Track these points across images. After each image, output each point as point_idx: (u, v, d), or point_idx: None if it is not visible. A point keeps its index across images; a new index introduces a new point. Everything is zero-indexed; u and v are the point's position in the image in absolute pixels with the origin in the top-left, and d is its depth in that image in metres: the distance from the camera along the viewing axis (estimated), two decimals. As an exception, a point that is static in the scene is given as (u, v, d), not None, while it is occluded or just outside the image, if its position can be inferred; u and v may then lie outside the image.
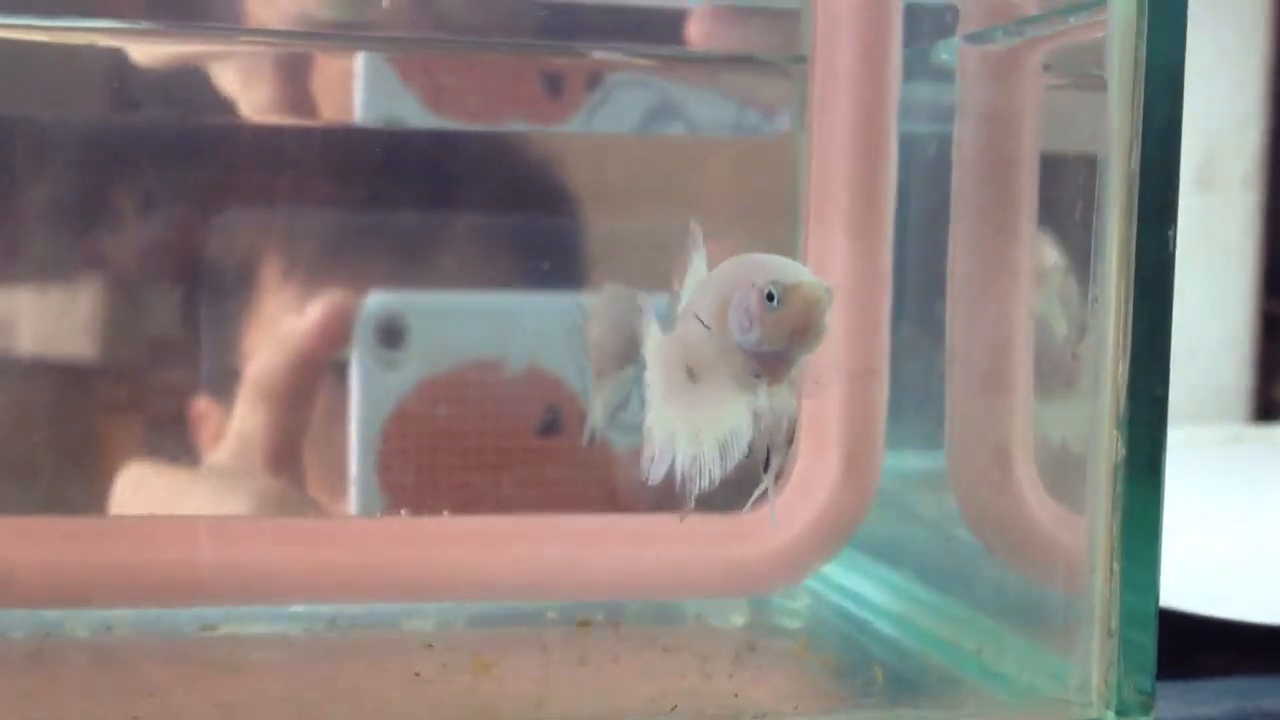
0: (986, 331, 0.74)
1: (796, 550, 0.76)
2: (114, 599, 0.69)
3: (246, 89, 0.76)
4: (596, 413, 0.63)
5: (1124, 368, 0.60)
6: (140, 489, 0.75)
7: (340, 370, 0.78)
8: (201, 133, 0.76)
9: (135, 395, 0.77)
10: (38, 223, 0.74)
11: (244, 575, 0.70)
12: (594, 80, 0.81)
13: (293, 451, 0.77)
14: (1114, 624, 0.60)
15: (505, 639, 0.71)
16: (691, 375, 0.56)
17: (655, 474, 0.56)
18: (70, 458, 0.75)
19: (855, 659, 0.71)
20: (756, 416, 0.55)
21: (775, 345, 0.54)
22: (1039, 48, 0.71)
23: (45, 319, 0.75)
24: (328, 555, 0.72)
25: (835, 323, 0.72)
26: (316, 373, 0.78)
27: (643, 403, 0.57)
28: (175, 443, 0.76)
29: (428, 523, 0.75)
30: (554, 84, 0.81)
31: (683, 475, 0.55)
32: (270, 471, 0.77)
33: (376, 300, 0.78)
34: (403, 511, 0.77)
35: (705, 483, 0.55)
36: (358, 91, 0.79)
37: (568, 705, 0.61)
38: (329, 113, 0.79)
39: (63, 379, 0.75)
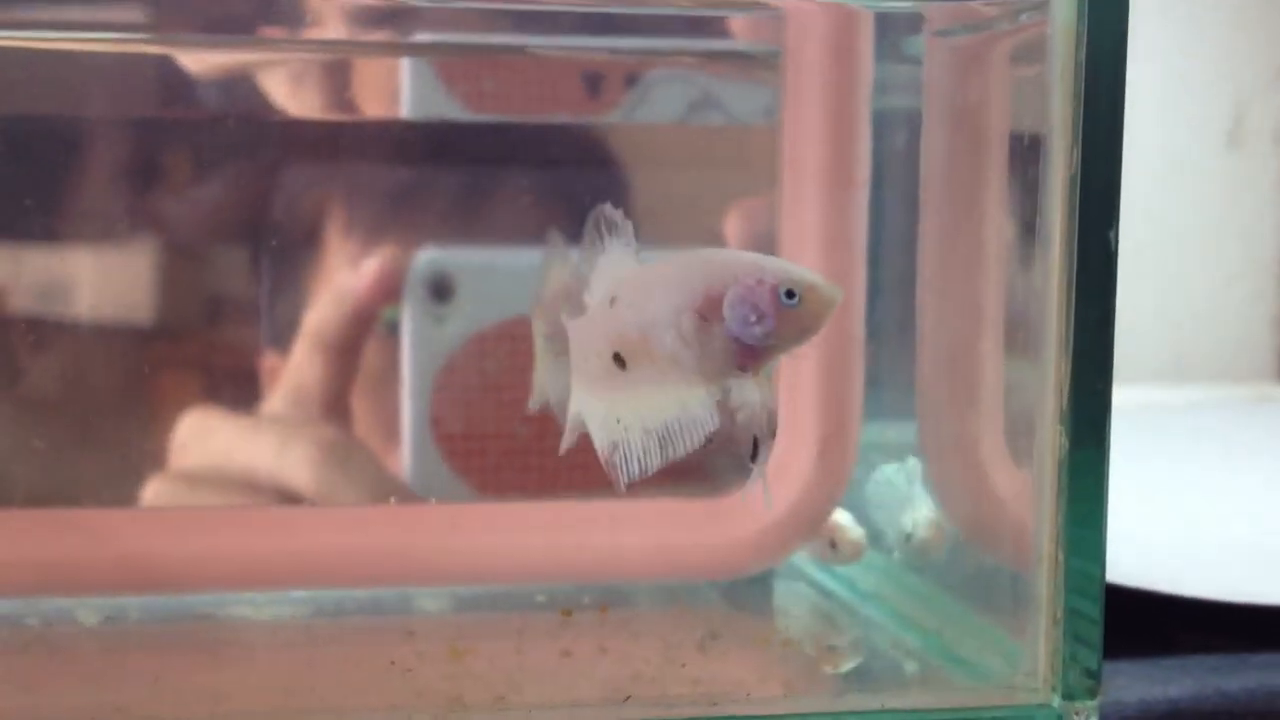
0: (955, 316, 0.76)
1: (774, 534, 0.78)
2: (104, 587, 0.72)
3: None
4: (539, 377, 0.63)
5: (1066, 365, 0.61)
6: (204, 438, 0.79)
7: (393, 325, 0.81)
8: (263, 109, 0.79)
9: (197, 350, 0.81)
10: (104, 186, 0.77)
11: (233, 563, 0.73)
12: (632, 78, 0.83)
13: (347, 402, 0.81)
14: (1059, 612, 0.62)
15: (486, 625, 0.74)
16: (620, 361, 0.57)
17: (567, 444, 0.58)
18: (136, 411, 0.80)
19: (821, 641, 0.73)
20: (738, 408, 0.56)
21: (783, 342, 0.55)
22: (1006, 40, 0.72)
23: (110, 278, 0.78)
24: (315, 542, 0.74)
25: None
26: (369, 327, 0.81)
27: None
28: (236, 395, 0.80)
29: (414, 510, 0.78)
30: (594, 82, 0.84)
31: (607, 461, 0.56)
32: (326, 421, 0.81)
33: (426, 256, 0.81)
34: (391, 499, 0.79)
35: (635, 471, 0.56)
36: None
37: (531, 693, 0.63)
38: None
39: (128, 335, 0.80)
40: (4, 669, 0.67)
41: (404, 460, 0.82)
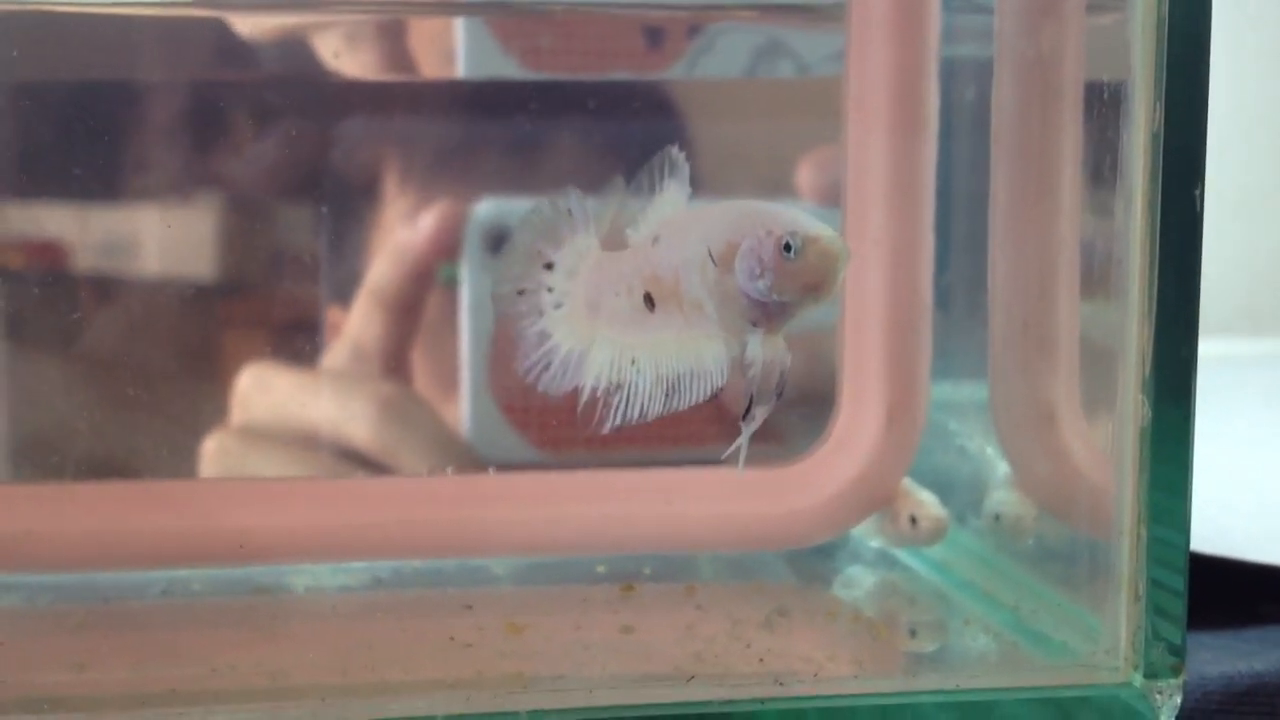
0: (1029, 274, 0.73)
1: (839, 503, 0.76)
2: (161, 561, 0.72)
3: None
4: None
5: (1149, 331, 0.59)
6: (266, 392, 0.79)
7: (451, 280, 0.81)
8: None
9: (258, 305, 0.81)
10: (164, 144, 0.77)
11: (290, 536, 0.72)
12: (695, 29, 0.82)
13: (407, 357, 0.81)
14: (1141, 588, 0.60)
15: (546, 598, 0.72)
16: (649, 302, 0.56)
17: (554, 388, 0.57)
18: (198, 366, 0.80)
19: (893, 617, 0.71)
20: (747, 365, 0.55)
21: (785, 296, 0.53)
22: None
23: (173, 236, 0.78)
24: (373, 515, 0.73)
25: (878, 272, 0.74)
26: (428, 282, 0.80)
27: (539, 311, 0.58)
28: (297, 349, 0.80)
29: (472, 480, 0.76)
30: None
31: (604, 399, 0.55)
32: (386, 375, 0.80)
33: (483, 209, 0.79)
34: (449, 470, 0.78)
35: (635, 414, 0.55)
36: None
37: (591, 671, 0.62)
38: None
39: (190, 291, 0.79)
40: (60, 645, 0.66)
41: (463, 416, 0.81)
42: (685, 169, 0.57)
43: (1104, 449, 0.66)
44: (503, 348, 0.80)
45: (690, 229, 0.56)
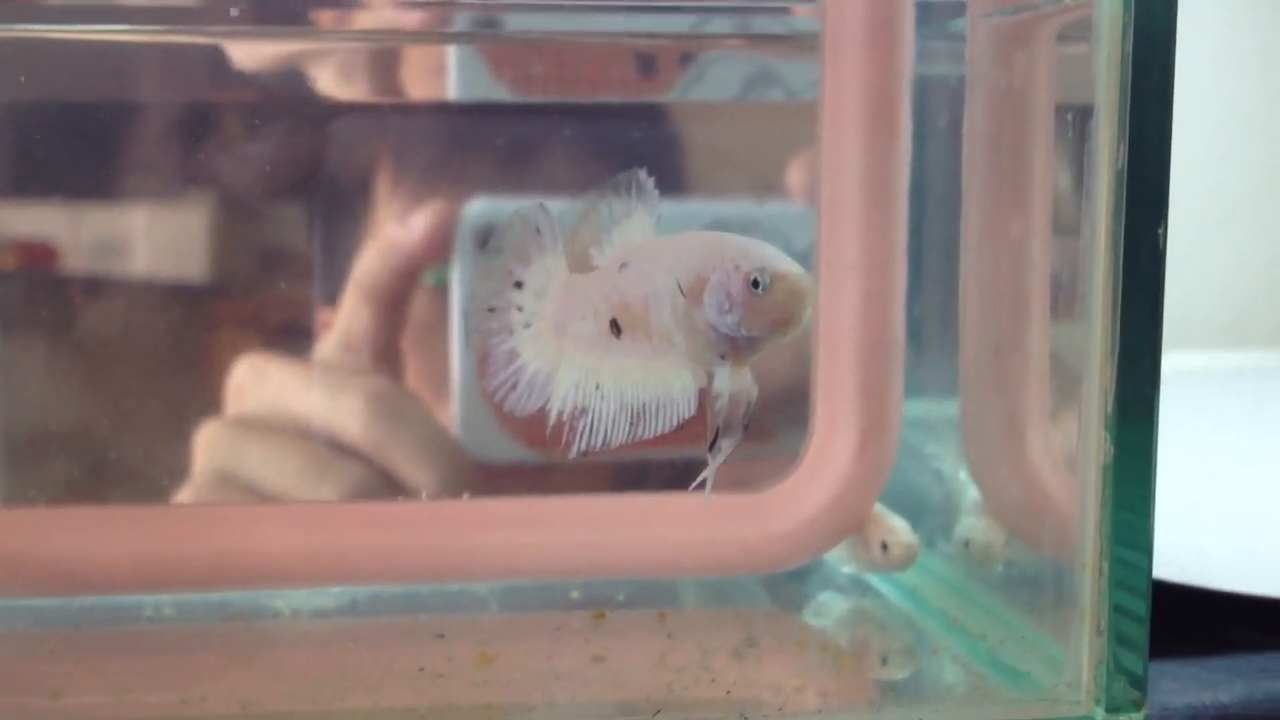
0: (998, 300, 0.73)
1: (813, 528, 0.76)
2: (139, 585, 0.72)
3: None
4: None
5: (1112, 368, 0.59)
6: (259, 384, 0.80)
7: (441, 284, 0.81)
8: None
9: (252, 306, 0.81)
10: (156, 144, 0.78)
11: (266, 560, 0.72)
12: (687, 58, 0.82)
13: (399, 352, 0.81)
14: (1104, 621, 0.60)
15: (517, 625, 0.73)
16: (616, 329, 0.56)
17: (520, 408, 0.57)
18: (191, 361, 0.80)
19: (861, 644, 0.72)
20: (714, 397, 0.55)
21: (754, 331, 0.54)
22: (1053, 20, 0.70)
23: (166, 235, 0.79)
24: (348, 539, 0.74)
25: (852, 297, 0.74)
26: (420, 280, 0.81)
27: (509, 329, 0.58)
28: (290, 345, 0.80)
29: (448, 505, 0.77)
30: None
31: (570, 424, 0.55)
32: (378, 371, 0.80)
33: (475, 208, 0.80)
34: (424, 495, 0.78)
35: (599, 440, 0.55)
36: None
37: (561, 700, 0.62)
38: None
39: (183, 288, 0.80)
40: (34, 671, 0.66)
41: (454, 414, 0.81)
42: (654, 194, 0.57)
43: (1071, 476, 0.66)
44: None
45: (659, 258, 0.56)
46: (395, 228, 0.81)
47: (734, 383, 0.55)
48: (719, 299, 0.54)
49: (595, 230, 0.58)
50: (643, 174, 0.57)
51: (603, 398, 0.56)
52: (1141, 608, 0.60)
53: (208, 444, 0.79)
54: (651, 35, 0.82)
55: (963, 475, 0.77)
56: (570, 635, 0.70)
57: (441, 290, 0.81)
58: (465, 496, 0.77)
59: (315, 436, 0.80)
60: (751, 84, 0.84)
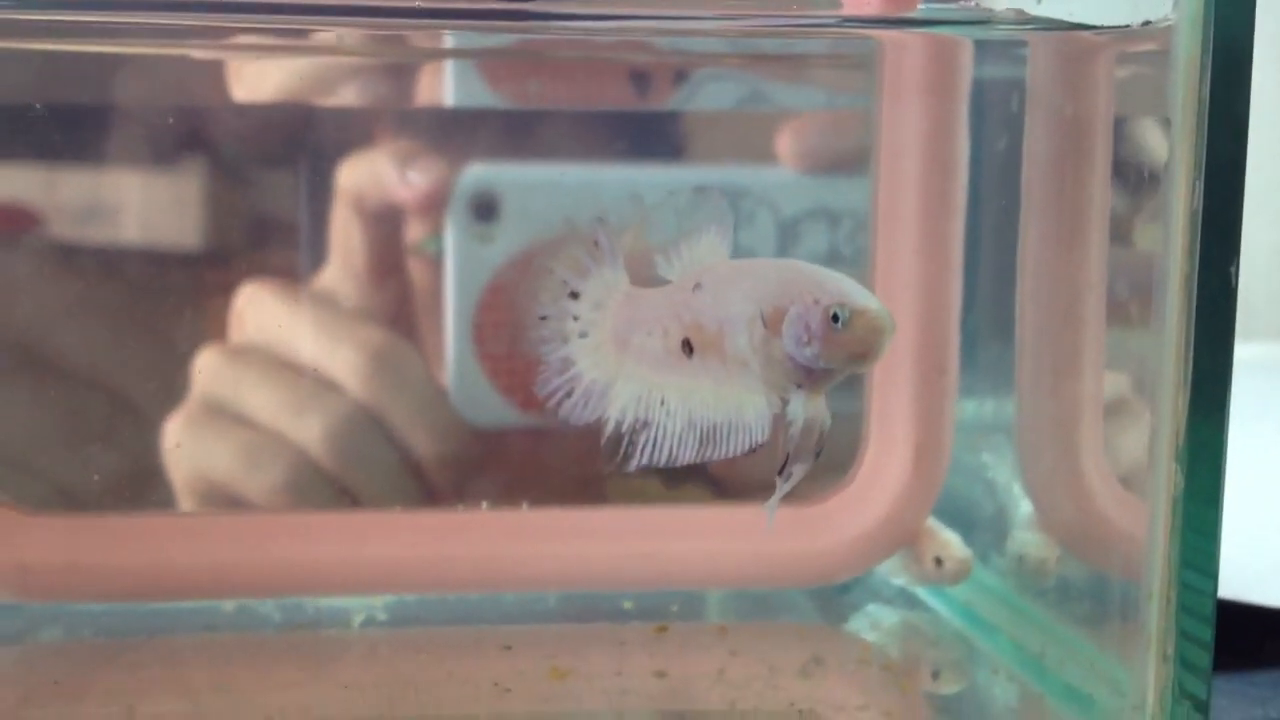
0: (1057, 322, 0.74)
1: (865, 542, 0.77)
2: (197, 593, 0.73)
3: None
4: None
5: (1184, 402, 0.60)
6: (259, 313, 0.79)
7: (436, 253, 0.81)
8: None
9: (246, 267, 0.81)
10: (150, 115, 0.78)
11: (325, 568, 0.73)
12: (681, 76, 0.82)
13: (393, 316, 0.81)
14: (1170, 649, 0.62)
15: (581, 637, 0.74)
16: (688, 348, 0.57)
17: (576, 417, 0.58)
18: (187, 336, 0.80)
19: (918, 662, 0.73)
20: (788, 423, 0.56)
21: (832, 364, 0.54)
22: (1113, 46, 0.70)
23: (157, 204, 0.79)
24: (407, 549, 0.74)
25: (908, 315, 0.75)
26: (415, 245, 0.81)
27: (562, 338, 0.58)
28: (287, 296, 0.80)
29: (505, 516, 0.77)
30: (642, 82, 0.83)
31: (632, 439, 0.56)
32: (373, 330, 0.80)
33: (471, 174, 0.80)
34: (483, 504, 0.79)
35: (661, 458, 0.56)
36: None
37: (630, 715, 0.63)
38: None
39: (176, 258, 0.80)
40: (110, 680, 0.67)
41: (448, 377, 0.81)
42: (730, 217, 0.58)
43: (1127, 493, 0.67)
44: (488, 314, 0.80)
45: (735, 284, 0.56)
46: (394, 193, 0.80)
47: (808, 410, 0.56)
48: (798, 331, 0.54)
49: (659, 236, 0.59)
50: (718, 193, 0.58)
51: (668, 413, 0.56)
52: (1206, 633, 0.61)
53: (204, 375, 0.79)
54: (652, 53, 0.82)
55: (1016, 489, 0.78)
56: (634, 649, 0.71)
57: (436, 257, 0.81)
58: (524, 506, 0.78)
59: (308, 373, 0.79)
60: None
